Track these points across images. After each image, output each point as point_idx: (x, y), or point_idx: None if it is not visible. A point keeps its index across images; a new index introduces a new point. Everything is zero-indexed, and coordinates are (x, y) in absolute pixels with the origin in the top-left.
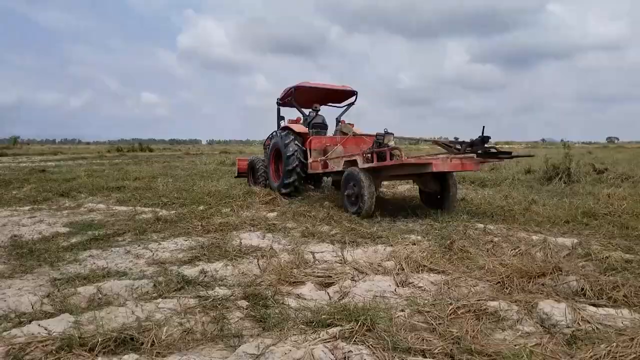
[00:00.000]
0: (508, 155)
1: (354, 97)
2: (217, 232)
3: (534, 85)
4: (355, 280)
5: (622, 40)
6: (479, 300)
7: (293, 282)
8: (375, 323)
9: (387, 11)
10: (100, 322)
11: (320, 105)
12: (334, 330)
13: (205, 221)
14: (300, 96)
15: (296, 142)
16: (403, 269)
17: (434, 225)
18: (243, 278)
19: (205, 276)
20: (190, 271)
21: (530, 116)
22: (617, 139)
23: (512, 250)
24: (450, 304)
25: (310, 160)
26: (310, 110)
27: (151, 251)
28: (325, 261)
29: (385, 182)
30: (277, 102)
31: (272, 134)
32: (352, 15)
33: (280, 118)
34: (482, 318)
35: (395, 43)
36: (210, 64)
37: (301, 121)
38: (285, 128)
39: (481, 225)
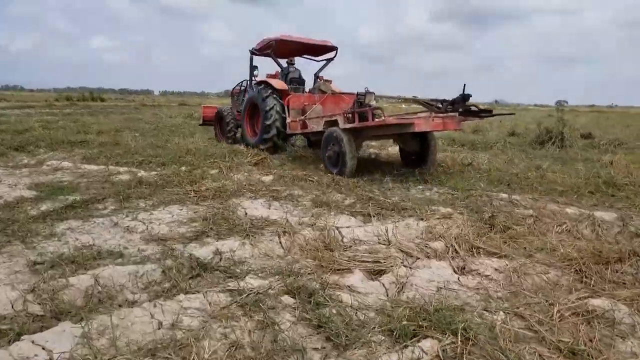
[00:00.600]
0: (489, 113)
1: (334, 53)
2: (214, 199)
3: (489, 46)
4: (409, 267)
5: (579, 4)
6: (579, 298)
7: (337, 270)
8: (477, 334)
9: None
10: (116, 335)
11: (297, 56)
12: (430, 345)
13: (196, 185)
14: (280, 49)
15: (274, 95)
16: (457, 252)
17: (454, 194)
18: (268, 261)
19: (221, 259)
20: (201, 251)
21: (485, 77)
22: (567, 102)
23: (557, 227)
24: (551, 304)
25: (289, 120)
26: (287, 64)
27: (144, 223)
28: (361, 240)
29: (372, 143)
30: (252, 52)
31: (241, 82)
32: None
33: (253, 67)
34: (593, 323)
35: None
36: (164, 8)
37: (279, 76)
38: (263, 82)
39: (505, 195)
